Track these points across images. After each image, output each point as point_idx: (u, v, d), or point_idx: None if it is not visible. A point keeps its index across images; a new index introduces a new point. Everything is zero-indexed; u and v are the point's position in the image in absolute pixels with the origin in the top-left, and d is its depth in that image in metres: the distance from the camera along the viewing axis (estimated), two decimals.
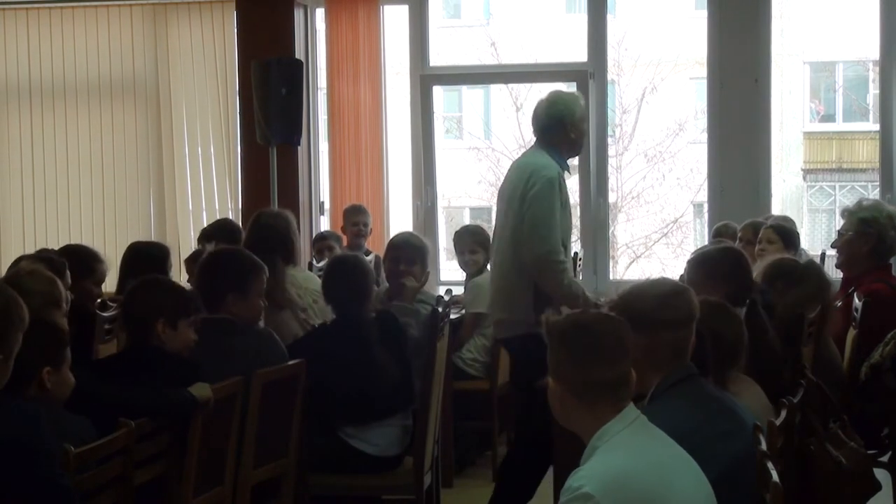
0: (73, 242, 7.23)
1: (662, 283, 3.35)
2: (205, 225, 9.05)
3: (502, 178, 5.55)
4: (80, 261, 5.25)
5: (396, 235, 6.11)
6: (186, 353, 4.16)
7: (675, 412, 3.03)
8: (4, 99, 9.33)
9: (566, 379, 2.82)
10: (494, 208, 5.60)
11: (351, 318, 4.99)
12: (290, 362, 4.64)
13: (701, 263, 4.18)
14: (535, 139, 5.35)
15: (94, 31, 9.17)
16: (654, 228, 17.31)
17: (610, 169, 10.14)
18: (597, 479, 2.69)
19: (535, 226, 4.99)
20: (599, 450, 2.77)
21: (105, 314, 5.14)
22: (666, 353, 3.16)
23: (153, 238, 8.66)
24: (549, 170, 5.09)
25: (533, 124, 5.37)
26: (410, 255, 5.75)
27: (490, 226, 13.05)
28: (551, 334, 2.87)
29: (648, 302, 3.17)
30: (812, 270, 4.74)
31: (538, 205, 5.01)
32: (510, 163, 5.63)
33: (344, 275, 5.06)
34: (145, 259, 5.65)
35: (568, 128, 5.23)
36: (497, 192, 5.54)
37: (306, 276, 5.72)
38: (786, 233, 6.16)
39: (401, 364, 5.01)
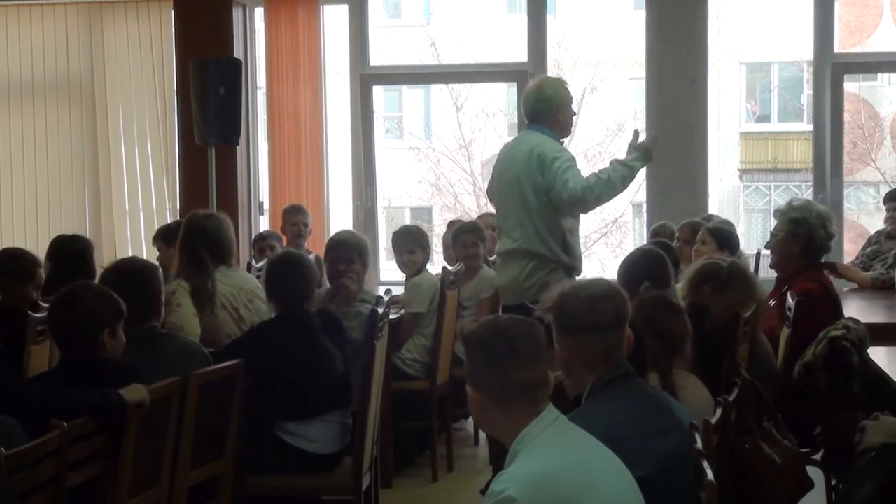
0: (8, 243, 7.18)
1: (595, 284, 3.36)
2: (142, 225, 9.01)
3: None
4: (20, 265, 5.19)
5: (334, 235, 6.10)
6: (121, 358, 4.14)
7: (610, 411, 3.05)
8: None
9: (484, 385, 2.83)
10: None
11: (294, 313, 4.98)
12: (228, 363, 4.62)
13: (623, 265, 4.24)
14: (527, 122, 5.86)
15: (29, 30, 9.08)
16: (593, 228, 17.39)
17: None
18: (519, 482, 2.69)
19: (562, 171, 5.58)
20: (521, 453, 2.77)
21: (37, 315, 5.08)
22: (597, 354, 3.18)
23: (89, 237, 8.58)
24: (549, 142, 5.64)
25: (524, 108, 5.86)
26: (348, 254, 5.77)
27: (430, 226, 13.06)
28: (468, 342, 2.88)
29: (578, 305, 3.19)
30: (736, 271, 4.78)
31: (560, 162, 5.61)
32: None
33: (287, 272, 5.05)
34: (71, 252, 5.62)
35: (555, 109, 5.71)
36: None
37: (243, 277, 5.70)
38: (721, 234, 6.22)
39: (341, 360, 5.00)
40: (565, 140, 5.93)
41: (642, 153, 5.79)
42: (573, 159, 5.72)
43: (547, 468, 2.72)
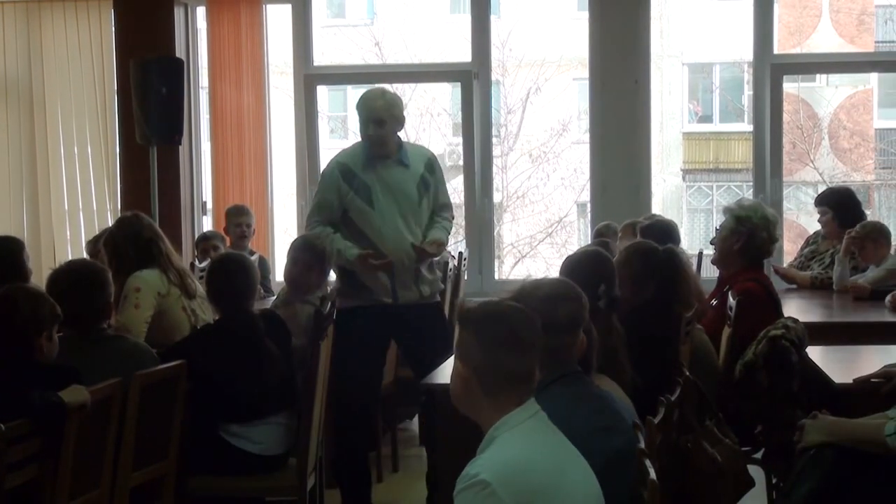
0: None
1: (557, 284, 3.38)
2: (81, 226, 8.91)
3: None
4: None
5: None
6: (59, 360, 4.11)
7: (557, 407, 3.06)
8: None
9: (475, 365, 2.83)
10: None
11: (237, 315, 4.96)
12: (170, 363, 4.59)
13: (566, 266, 4.25)
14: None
15: None
16: (539, 228, 17.47)
17: (495, 169, 10.23)
18: (494, 468, 2.71)
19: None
20: (498, 439, 2.79)
21: None
22: (547, 353, 3.18)
23: (27, 239, 8.49)
24: (337, 156, 5.85)
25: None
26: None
27: None
28: (466, 318, 2.88)
29: (536, 303, 3.20)
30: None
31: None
32: None
33: (229, 274, 5.02)
34: (1, 253, 5.57)
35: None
36: None
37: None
38: (653, 233, 6.29)
39: (285, 361, 4.99)
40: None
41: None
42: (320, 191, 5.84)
43: (522, 458, 2.75)
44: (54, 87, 8.95)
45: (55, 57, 8.95)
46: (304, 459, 4.94)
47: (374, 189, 5.65)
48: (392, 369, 6.66)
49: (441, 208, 5.86)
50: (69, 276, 4.57)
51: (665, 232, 6.08)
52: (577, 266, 4.18)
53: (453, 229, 6.17)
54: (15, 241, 5.78)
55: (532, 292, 3.27)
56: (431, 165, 5.80)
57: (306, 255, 5.66)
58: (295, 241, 5.89)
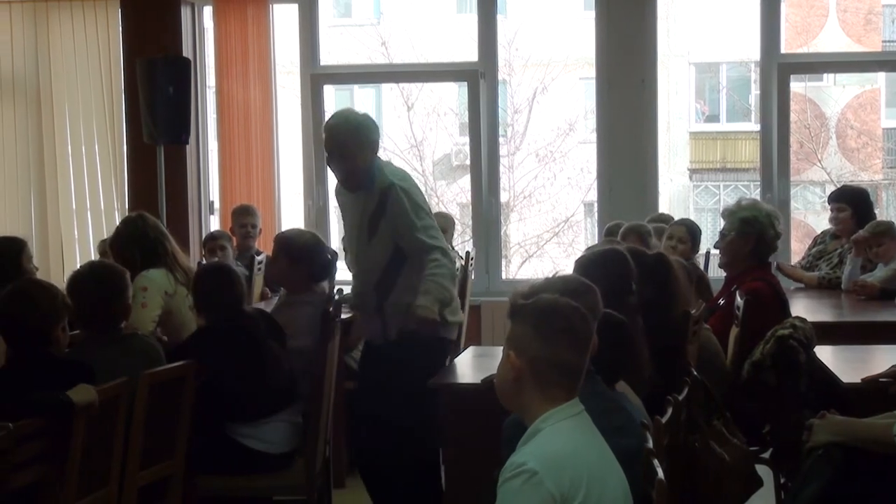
0: None
1: (570, 280, 3.38)
2: (89, 225, 8.92)
3: None
4: None
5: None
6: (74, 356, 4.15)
7: None
8: None
9: (531, 355, 2.85)
10: None
11: (236, 316, 4.98)
12: (178, 363, 4.60)
13: (581, 266, 4.23)
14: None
15: None
16: (545, 228, 17.46)
17: (502, 168, 10.21)
18: (542, 457, 2.75)
19: None
20: (544, 431, 2.82)
21: None
22: None
23: (35, 238, 8.51)
24: None
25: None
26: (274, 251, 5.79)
27: None
28: (523, 311, 2.89)
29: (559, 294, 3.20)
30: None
31: None
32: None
33: (220, 283, 5.01)
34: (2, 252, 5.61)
35: None
36: None
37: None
38: (696, 232, 6.36)
39: (286, 359, 5.00)
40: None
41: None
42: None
43: (568, 450, 2.79)
44: (62, 87, 8.97)
45: (62, 56, 8.96)
46: (313, 459, 4.94)
47: (343, 215, 5.34)
48: None
49: (419, 252, 5.08)
50: (91, 278, 4.61)
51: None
52: (598, 263, 4.15)
53: (458, 230, 6.12)
54: (15, 242, 5.80)
55: (545, 289, 3.27)
56: (386, 196, 5.05)
57: (274, 248, 5.65)
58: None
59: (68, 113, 9.00)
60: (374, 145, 5.13)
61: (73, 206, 9.00)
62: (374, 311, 5.18)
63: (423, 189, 5.47)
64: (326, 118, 5.47)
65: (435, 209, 13.34)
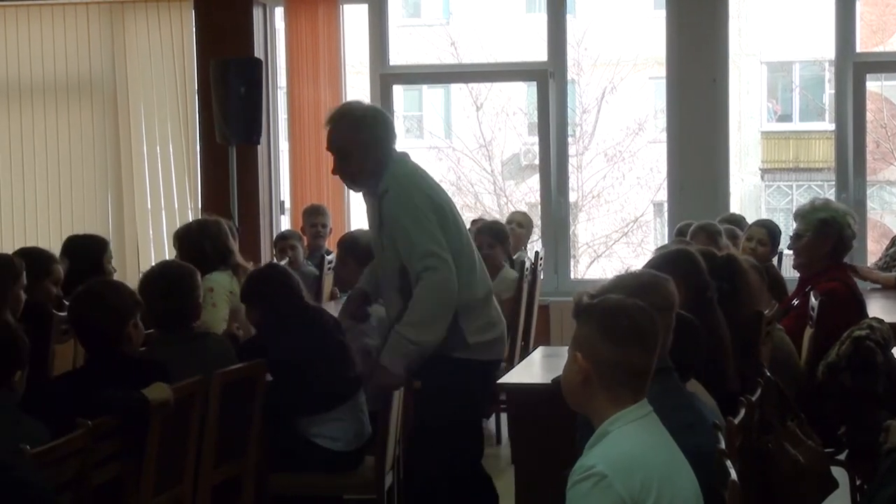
0: (30, 243, 7.22)
1: (642, 273, 3.38)
2: (163, 224, 9.03)
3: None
4: (36, 262, 5.23)
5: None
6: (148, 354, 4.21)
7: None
8: None
9: (598, 357, 2.83)
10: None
11: (309, 308, 5.06)
12: (250, 362, 4.65)
13: (653, 268, 4.20)
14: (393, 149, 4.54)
15: (51, 30, 9.11)
16: (614, 227, 17.36)
17: (570, 168, 10.17)
18: (611, 460, 2.73)
19: None
20: (613, 434, 2.80)
21: (62, 314, 5.11)
22: None
23: (111, 237, 8.62)
24: None
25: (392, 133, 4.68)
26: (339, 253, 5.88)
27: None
28: (589, 313, 2.88)
29: (631, 290, 3.19)
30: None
31: None
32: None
33: (279, 283, 5.07)
34: (86, 251, 5.73)
35: None
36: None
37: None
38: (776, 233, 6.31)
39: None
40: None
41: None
42: None
43: (638, 453, 2.77)
44: (137, 87, 9.08)
45: (138, 57, 9.07)
46: (382, 457, 4.94)
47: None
48: None
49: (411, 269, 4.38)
50: (163, 278, 4.67)
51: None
52: (670, 262, 4.12)
53: (531, 234, 5.88)
54: (97, 241, 5.90)
55: (621, 283, 3.27)
56: (382, 200, 4.41)
57: (338, 250, 5.73)
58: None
59: (143, 113, 9.11)
60: (379, 143, 4.41)
61: (149, 206, 9.11)
62: (395, 312, 4.53)
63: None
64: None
65: (503, 209, 13.35)
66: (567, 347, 2.94)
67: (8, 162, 9.21)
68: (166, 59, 9.02)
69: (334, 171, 4.50)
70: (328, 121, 4.49)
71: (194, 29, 8.82)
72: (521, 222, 8.04)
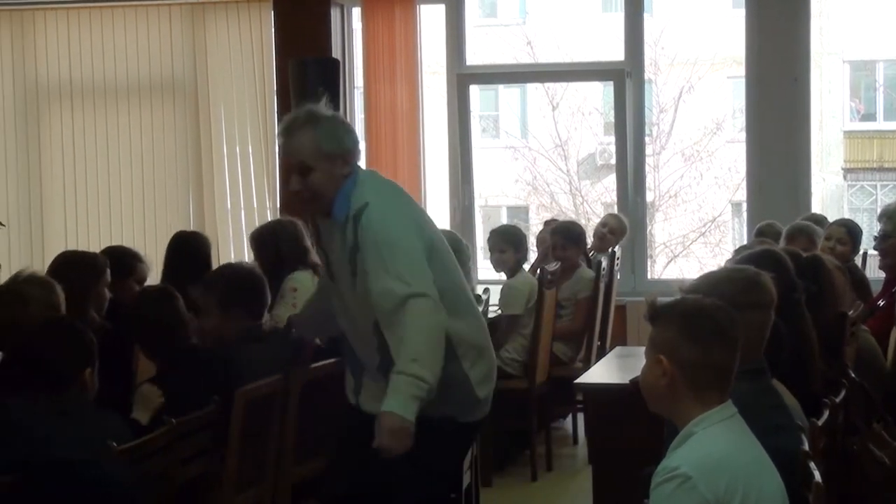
0: (113, 241, 7.32)
1: (744, 269, 3.34)
2: (242, 223, 9.11)
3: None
4: (120, 260, 5.32)
5: None
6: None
7: (738, 397, 3.00)
8: (46, 99, 9.39)
9: (683, 358, 2.81)
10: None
11: None
12: (328, 360, 4.67)
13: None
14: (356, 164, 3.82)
15: (134, 31, 9.22)
16: (691, 227, 17.22)
17: (647, 168, 10.11)
18: (696, 462, 2.72)
19: None
20: (698, 435, 2.79)
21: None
22: (752, 335, 3.11)
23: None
24: None
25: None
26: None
27: (526, 225, 12.90)
28: (668, 314, 2.86)
29: (735, 284, 3.16)
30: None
31: None
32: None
33: None
34: (191, 247, 5.89)
35: None
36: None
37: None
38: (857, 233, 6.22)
39: None
40: None
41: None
42: None
43: (723, 455, 2.75)
44: (217, 88, 9.17)
45: (218, 58, 9.16)
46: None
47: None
48: (545, 368, 6.65)
49: (382, 306, 3.58)
50: (236, 278, 4.72)
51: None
52: (757, 263, 4.07)
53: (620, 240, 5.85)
54: (205, 239, 6.02)
55: (723, 278, 3.24)
56: (356, 222, 3.63)
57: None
58: None
59: (223, 113, 9.19)
60: (343, 155, 3.72)
61: (228, 206, 9.19)
62: (381, 376, 3.66)
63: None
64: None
65: (579, 209, 13.22)
66: (644, 348, 2.92)
67: (94, 161, 9.34)
68: (246, 59, 9.09)
69: (290, 190, 3.74)
70: (282, 128, 3.80)
71: (273, 29, 8.89)
72: (613, 229, 7.89)
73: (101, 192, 9.32)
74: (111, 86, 9.29)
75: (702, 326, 2.82)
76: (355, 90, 9.31)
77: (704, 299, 2.92)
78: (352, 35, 9.15)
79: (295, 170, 3.71)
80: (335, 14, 8.84)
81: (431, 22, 9.31)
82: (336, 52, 8.72)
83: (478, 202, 9.59)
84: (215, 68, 9.16)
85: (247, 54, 9.09)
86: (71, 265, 4.89)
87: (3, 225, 8.45)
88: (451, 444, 3.80)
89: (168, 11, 9.20)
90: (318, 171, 3.66)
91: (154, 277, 5.76)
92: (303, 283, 5.49)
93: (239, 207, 9.17)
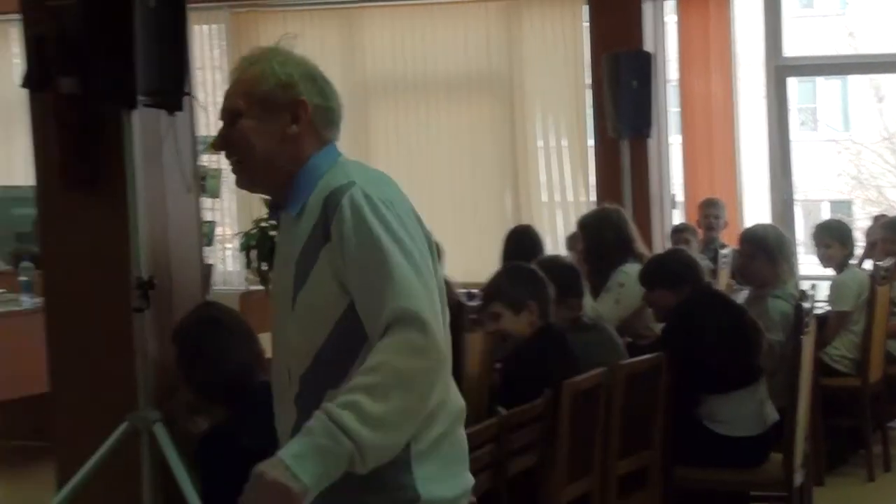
0: (435, 233, 7.43)
1: None
2: (558, 217, 9.14)
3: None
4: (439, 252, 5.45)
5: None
6: None
7: None
8: (371, 94, 9.66)
9: None
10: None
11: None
12: (650, 355, 4.62)
13: None
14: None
15: (453, 27, 9.37)
16: None
17: None
18: None
19: None
20: None
21: (471, 303, 5.25)
22: None
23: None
24: None
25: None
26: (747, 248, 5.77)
27: (850, 219, 12.39)
28: None
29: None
30: None
31: None
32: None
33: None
34: (529, 239, 6.30)
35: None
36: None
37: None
38: None
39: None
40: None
41: None
42: None
43: None
44: (532, 82, 9.21)
45: (533, 53, 9.21)
46: (790, 454, 4.78)
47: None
48: (879, 366, 6.43)
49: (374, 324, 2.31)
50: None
51: None
52: None
53: None
54: (537, 234, 6.19)
55: None
56: (332, 206, 2.37)
57: (746, 245, 5.68)
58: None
59: (539, 108, 9.24)
60: (293, 105, 2.46)
61: (544, 199, 9.22)
62: (290, 430, 2.38)
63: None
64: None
65: None
66: None
67: (414, 154, 9.50)
68: (560, 54, 9.11)
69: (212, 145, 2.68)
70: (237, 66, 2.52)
71: (587, 24, 8.88)
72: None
73: (424, 183, 9.41)
74: (431, 81, 9.46)
75: None
76: (668, 83, 9.18)
77: None
78: (664, 28, 9.04)
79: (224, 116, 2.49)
80: (647, 8, 8.77)
81: (745, 13, 9.11)
82: (648, 46, 8.62)
83: (797, 196, 9.30)
84: (530, 63, 9.21)
85: (560, 49, 9.10)
86: None
87: None
88: None
89: (485, 8, 9.32)
90: (248, 116, 2.44)
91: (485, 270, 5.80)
92: (630, 278, 5.44)
93: (554, 201, 9.18)
